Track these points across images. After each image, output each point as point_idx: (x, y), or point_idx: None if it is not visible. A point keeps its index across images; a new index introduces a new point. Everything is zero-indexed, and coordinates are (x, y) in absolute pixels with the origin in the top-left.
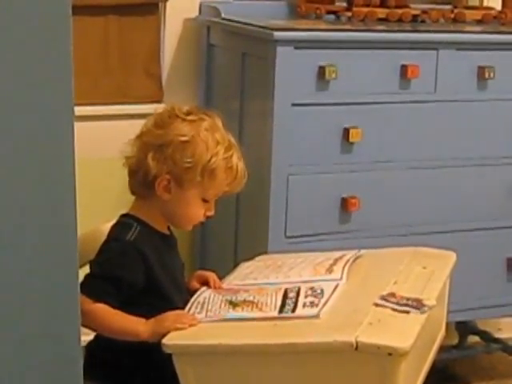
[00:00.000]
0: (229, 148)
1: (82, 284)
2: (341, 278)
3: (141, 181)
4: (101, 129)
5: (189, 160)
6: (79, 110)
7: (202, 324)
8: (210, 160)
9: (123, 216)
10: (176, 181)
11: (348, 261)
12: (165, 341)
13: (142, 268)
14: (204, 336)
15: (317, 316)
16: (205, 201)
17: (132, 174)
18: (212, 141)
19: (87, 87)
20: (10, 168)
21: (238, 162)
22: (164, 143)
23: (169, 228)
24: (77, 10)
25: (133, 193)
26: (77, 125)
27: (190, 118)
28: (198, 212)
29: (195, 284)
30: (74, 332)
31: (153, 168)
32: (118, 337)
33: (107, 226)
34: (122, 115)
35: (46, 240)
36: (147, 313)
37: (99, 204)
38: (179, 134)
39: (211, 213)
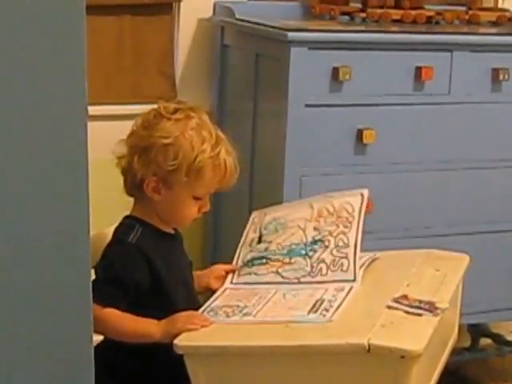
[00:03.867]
0: (216, 145)
1: None
2: (354, 279)
3: (131, 182)
4: (113, 129)
5: (172, 163)
6: (92, 110)
7: (213, 325)
8: (195, 159)
9: (126, 218)
10: (163, 182)
11: (364, 264)
12: (176, 341)
13: (146, 269)
14: (216, 337)
15: (330, 320)
16: (197, 198)
17: (125, 174)
18: (198, 139)
19: (100, 86)
20: (22, 168)
21: (226, 158)
22: (148, 146)
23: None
24: (91, 9)
25: (128, 194)
26: (89, 124)
27: (175, 116)
28: (190, 210)
29: (213, 282)
30: (86, 337)
31: (138, 170)
32: (130, 340)
33: (111, 229)
34: (135, 115)
35: (59, 243)
36: (154, 313)
37: (113, 205)
38: (162, 136)
39: (206, 208)
